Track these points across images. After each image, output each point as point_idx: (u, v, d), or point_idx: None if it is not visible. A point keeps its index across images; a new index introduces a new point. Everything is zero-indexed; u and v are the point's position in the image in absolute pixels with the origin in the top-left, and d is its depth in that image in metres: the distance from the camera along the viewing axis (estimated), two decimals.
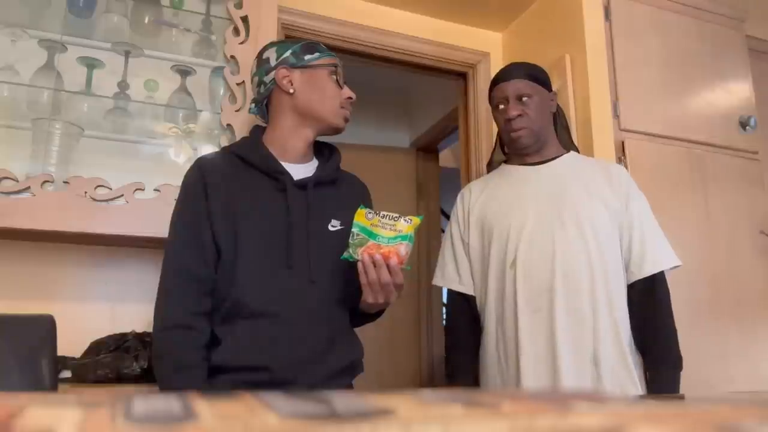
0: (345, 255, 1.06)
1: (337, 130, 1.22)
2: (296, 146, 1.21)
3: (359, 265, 1.03)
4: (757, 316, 1.99)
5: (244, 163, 1.17)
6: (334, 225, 1.17)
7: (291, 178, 1.16)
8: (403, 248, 1.05)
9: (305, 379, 1.05)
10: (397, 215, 1.07)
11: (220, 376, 1.05)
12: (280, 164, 1.17)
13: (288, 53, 1.22)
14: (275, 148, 1.20)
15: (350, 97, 1.22)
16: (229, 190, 1.13)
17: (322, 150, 1.29)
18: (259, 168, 1.16)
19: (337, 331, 1.13)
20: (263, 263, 1.09)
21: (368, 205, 1.26)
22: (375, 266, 1.03)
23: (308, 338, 1.08)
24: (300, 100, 1.19)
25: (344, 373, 1.12)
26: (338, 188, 1.23)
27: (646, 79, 2.03)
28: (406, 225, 1.06)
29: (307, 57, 1.21)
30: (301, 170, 1.20)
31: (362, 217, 1.07)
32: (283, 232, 1.11)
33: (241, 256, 1.08)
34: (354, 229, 1.06)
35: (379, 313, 1.21)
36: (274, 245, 1.10)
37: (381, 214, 1.06)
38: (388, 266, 1.03)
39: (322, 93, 1.19)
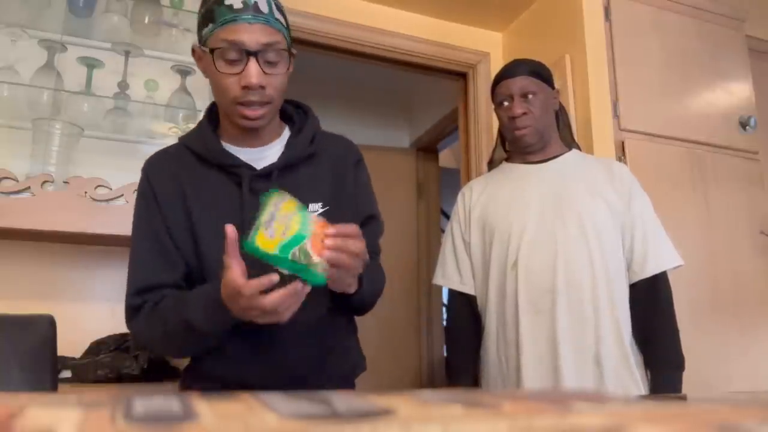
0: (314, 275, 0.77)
1: (249, 130, 0.96)
2: (243, 132, 0.97)
3: (325, 263, 0.78)
4: (757, 315, 1.99)
5: (197, 157, 0.97)
6: (314, 209, 0.96)
7: (249, 169, 0.95)
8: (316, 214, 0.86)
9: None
10: (270, 211, 0.79)
11: (208, 384, 0.97)
12: (231, 155, 0.96)
13: (199, 24, 0.94)
14: (228, 133, 0.99)
15: (246, 86, 0.88)
16: (182, 194, 0.95)
17: (293, 118, 1.05)
18: (211, 162, 0.96)
19: (329, 338, 0.99)
20: None
21: (361, 169, 1.07)
22: (343, 251, 0.78)
23: (296, 352, 0.95)
24: (213, 92, 0.97)
25: (343, 380, 1.03)
26: (316, 164, 1.01)
27: (647, 79, 2.03)
28: (284, 203, 0.80)
29: (204, 32, 0.92)
30: (264, 154, 0.98)
31: (263, 240, 0.76)
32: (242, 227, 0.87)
33: (206, 271, 0.93)
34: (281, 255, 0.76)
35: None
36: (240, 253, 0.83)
37: (264, 224, 0.77)
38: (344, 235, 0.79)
39: (215, 88, 0.95)
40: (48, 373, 0.99)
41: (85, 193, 1.52)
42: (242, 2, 0.88)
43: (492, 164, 1.59)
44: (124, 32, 1.74)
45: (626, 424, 0.21)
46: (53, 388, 1.00)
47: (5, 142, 1.63)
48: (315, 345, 0.98)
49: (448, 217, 1.59)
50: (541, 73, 1.40)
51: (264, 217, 0.78)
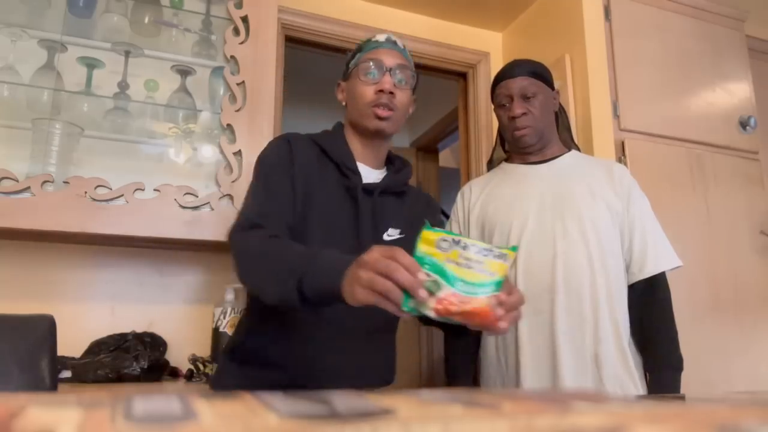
0: (408, 305, 0.71)
1: (375, 132, 1.12)
2: (363, 147, 1.15)
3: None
4: (757, 315, 1.99)
5: (321, 150, 1.12)
6: (391, 234, 1.11)
7: (361, 179, 1.11)
8: (494, 302, 0.72)
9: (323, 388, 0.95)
10: (487, 247, 0.72)
11: (244, 368, 1.04)
12: (352, 157, 1.12)
13: (347, 61, 1.19)
14: (350, 145, 1.16)
15: (381, 90, 1.09)
16: (308, 171, 1.07)
17: (394, 162, 1.23)
18: (335, 161, 1.11)
19: (373, 347, 1.11)
20: None
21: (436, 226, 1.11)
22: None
23: (343, 349, 1.02)
24: (347, 112, 1.17)
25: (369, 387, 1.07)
26: (404, 201, 1.17)
27: (647, 79, 2.03)
28: (500, 263, 0.72)
29: (350, 64, 1.17)
30: (370, 174, 1.14)
31: (430, 243, 0.71)
32: (348, 231, 1.05)
33: (308, 240, 1.00)
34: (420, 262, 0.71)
35: None
36: (336, 243, 0.97)
37: (461, 243, 0.71)
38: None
39: (353, 98, 1.14)
40: (48, 373, 0.99)
41: (85, 193, 1.51)
42: (385, 38, 1.16)
43: (491, 164, 1.59)
44: (124, 32, 1.74)
45: (625, 424, 0.21)
46: (53, 388, 1.00)
47: (5, 142, 1.63)
48: (361, 353, 1.06)
49: (447, 216, 1.59)
50: (541, 73, 1.40)
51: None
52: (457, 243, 0.72)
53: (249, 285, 0.94)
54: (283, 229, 0.99)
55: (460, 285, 0.71)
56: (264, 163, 1.08)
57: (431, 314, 0.71)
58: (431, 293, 0.70)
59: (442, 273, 0.71)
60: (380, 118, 1.10)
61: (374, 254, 0.73)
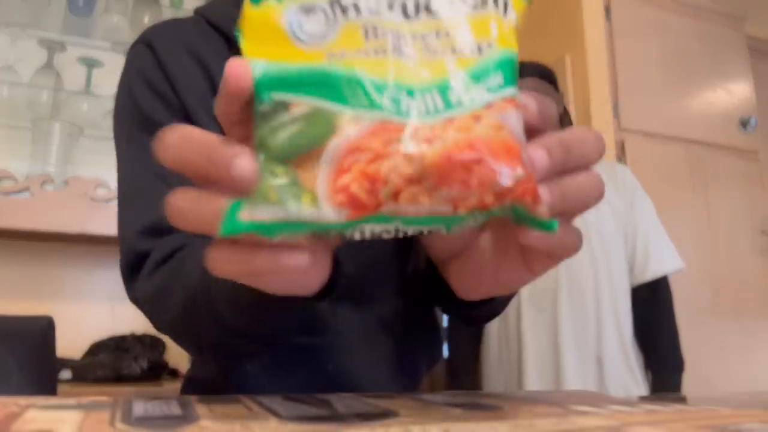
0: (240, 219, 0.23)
1: None
2: None
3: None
4: (757, 316, 1.99)
5: (216, 31, 0.62)
6: None
7: None
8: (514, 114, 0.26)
9: None
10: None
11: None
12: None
13: None
14: None
15: None
16: (207, 74, 0.59)
17: None
18: (230, 35, 0.60)
19: (401, 340, 0.61)
20: None
21: None
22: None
23: (353, 363, 0.54)
24: None
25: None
26: None
27: (647, 78, 2.02)
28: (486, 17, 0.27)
29: None
30: None
31: (272, 30, 0.24)
32: None
33: None
34: None
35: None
36: None
37: None
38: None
39: None
40: (47, 374, 0.99)
41: (85, 193, 1.51)
42: None
43: None
44: (124, 32, 1.74)
45: (627, 426, 0.21)
46: (52, 389, 1.00)
47: (5, 142, 1.63)
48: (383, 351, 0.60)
49: None
50: (547, 75, 1.40)
51: None
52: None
53: (184, 345, 0.56)
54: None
55: (391, 101, 0.24)
56: (122, 123, 0.59)
57: (329, 215, 0.23)
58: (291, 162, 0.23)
59: (331, 86, 0.24)
60: None
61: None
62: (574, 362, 1.24)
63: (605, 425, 0.22)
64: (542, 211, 0.25)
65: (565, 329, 1.25)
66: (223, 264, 0.26)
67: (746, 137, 2.16)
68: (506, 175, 0.23)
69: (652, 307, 1.32)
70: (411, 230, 0.24)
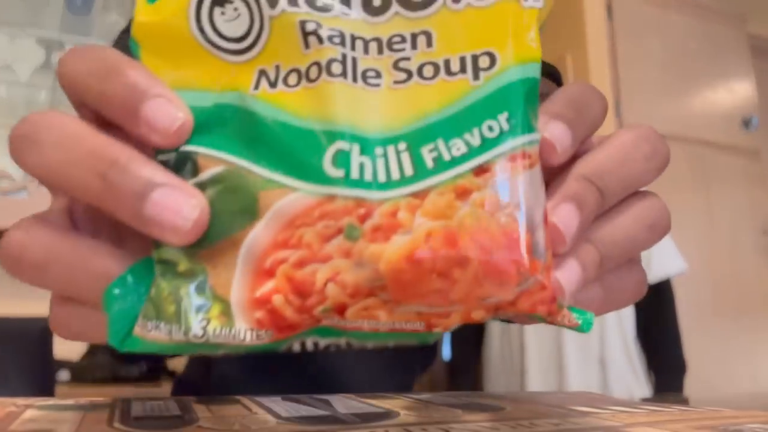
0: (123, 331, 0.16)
1: None
2: None
3: None
4: (759, 316, 1.99)
5: None
6: None
7: None
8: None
9: None
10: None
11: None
12: None
13: None
14: None
15: None
16: None
17: None
18: None
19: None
20: None
21: None
22: None
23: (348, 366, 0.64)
24: None
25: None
26: None
27: (648, 78, 2.02)
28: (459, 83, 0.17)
29: None
30: None
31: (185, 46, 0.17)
32: None
33: None
34: None
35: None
36: None
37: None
38: None
39: None
40: (45, 375, 0.99)
41: None
42: None
43: None
44: None
45: (628, 427, 0.21)
46: (51, 390, 1.00)
47: (2, 141, 1.62)
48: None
49: None
50: (552, 73, 1.40)
51: None
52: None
53: None
54: None
55: (334, 160, 0.15)
56: None
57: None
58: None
59: (254, 133, 0.16)
60: None
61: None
62: (577, 364, 1.25)
63: (606, 426, 0.22)
64: (565, 321, 0.17)
65: (567, 331, 1.25)
66: (70, 326, 0.18)
67: (748, 137, 2.16)
68: (506, 284, 0.15)
69: (654, 309, 1.32)
70: (370, 344, 0.16)
